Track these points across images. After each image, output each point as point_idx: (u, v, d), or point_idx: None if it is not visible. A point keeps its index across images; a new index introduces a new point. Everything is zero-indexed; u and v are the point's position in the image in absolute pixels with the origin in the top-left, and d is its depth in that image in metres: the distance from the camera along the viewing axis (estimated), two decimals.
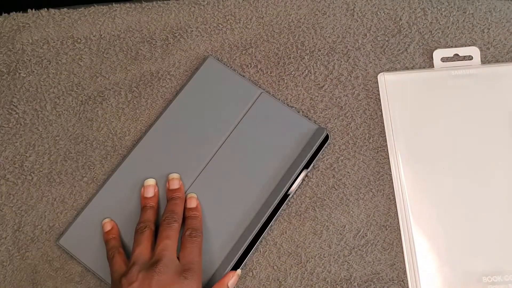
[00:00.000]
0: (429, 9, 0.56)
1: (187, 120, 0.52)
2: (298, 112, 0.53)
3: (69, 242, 0.48)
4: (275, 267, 0.49)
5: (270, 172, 0.50)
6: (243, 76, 0.54)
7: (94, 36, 0.56)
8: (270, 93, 0.54)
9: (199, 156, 0.51)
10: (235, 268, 0.47)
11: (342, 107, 0.53)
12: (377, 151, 0.52)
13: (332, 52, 0.55)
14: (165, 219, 0.45)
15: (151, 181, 0.49)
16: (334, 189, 0.51)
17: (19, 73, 0.55)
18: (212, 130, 0.51)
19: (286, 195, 0.50)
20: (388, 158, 0.51)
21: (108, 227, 0.48)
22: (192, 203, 0.48)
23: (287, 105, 0.53)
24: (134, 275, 0.41)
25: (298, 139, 0.51)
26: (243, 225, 0.48)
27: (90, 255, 0.48)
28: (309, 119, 0.53)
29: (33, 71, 0.55)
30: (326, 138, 0.51)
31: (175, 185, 0.48)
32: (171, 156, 0.51)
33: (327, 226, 0.50)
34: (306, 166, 0.51)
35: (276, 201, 0.48)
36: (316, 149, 0.50)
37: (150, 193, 0.48)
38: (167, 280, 0.41)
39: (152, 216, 0.47)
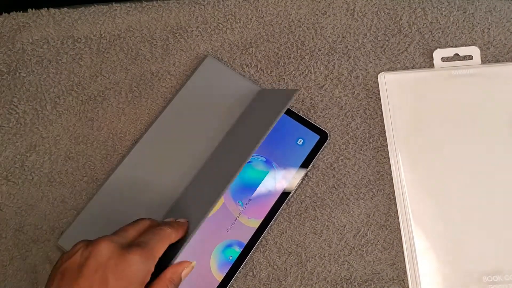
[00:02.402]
0: (429, 8, 0.56)
1: (185, 119, 0.52)
2: (299, 112, 0.53)
3: (68, 242, 0.48)
4: (275, 267, 0.49)
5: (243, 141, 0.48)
6: (242, 75, 0.54)
7: (94, 36, 0.56)
8: None
9: (197, 154, 0.51)
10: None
11: (342, 106, 0.53)
12: (377, 151, 0.52)
13: (332, 52, 0.55)
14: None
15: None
16: (334, 188, 0.51)
17: (19, 72, 0.55)
18: (210, 128, 0.52)
19: (286, 194, 0.50)
20: (388, 158, 0.51)
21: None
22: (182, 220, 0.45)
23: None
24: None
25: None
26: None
27: None
28: (309, 118, 0.53)
29: (33, 71, 0.55)
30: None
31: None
32: (170, 155, 0.51)
33: (327, 225, 0.50)
34: (305, 165, 0.51)
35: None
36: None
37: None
38: (107, 255, 0.36)
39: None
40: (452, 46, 0.55)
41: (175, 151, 0.51)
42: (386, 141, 0.52)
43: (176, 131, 0.52)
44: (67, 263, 0.36)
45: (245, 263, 0.48)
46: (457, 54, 0.54)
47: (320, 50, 0.55)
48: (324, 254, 0.49)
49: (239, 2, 0.57)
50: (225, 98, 0.53)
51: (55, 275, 0.36)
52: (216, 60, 0.54)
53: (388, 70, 0.54)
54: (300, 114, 0.53)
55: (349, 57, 0.55)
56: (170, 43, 0.55)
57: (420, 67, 0.54)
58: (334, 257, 0.49)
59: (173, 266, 0.41)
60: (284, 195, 0.50)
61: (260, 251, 0.49)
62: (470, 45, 0.55)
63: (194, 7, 0.57)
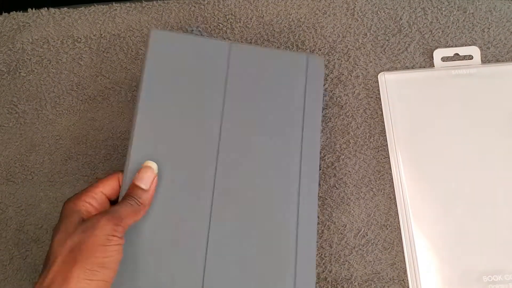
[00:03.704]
0: (429, 8, 0.56)
1: (170, 105, 0.44)
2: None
3: None
4: None
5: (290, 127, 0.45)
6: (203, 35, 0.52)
7: (94, 36, 0.56)
8: None
9: (205, 139, 0.44)
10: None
11: (342, 106, 0.53)
12: (378, 151, 0.52)
13: (332, 52, 0.55)
14: None
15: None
16: (335, 188, 0.51)
17: (19, 72, 0.55)
18: (203, 107, 0.44)
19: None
20: (389, 158, 0.51)
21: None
22: None
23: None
24: None
25: (297, 77, 0.47)
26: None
27: None
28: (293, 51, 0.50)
29: (33, 71, 0.55)
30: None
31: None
32: (173, 149, 0.43)
33: (328, 225, 0.50)
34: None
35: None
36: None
37: None
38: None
39: None
40: (452, 46, 0.55)
41: (176, 143, 0.43)
42: (387, 141, 0.52)
43: (167, 123, 0.44)
44: None
45: None
46: (457, 54, 0.54)
47: (320, 50, 0.55)
48: (325, 254, 0.49)
49: (239, 1, 0.57)
50: (197, 70, 0.45)
51: None
52: (163, 31, 0.46)
53: (388, 69, 0.54)
54: (281, 49, 0.52)
55: (349, 56, 0.55)
56: None
57: (420, 67, 0.54)
58: (334, 257, 0.49)
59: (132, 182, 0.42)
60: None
61: None
62: (470, 45, 0.55)
63: (194, 6, 0.57)
